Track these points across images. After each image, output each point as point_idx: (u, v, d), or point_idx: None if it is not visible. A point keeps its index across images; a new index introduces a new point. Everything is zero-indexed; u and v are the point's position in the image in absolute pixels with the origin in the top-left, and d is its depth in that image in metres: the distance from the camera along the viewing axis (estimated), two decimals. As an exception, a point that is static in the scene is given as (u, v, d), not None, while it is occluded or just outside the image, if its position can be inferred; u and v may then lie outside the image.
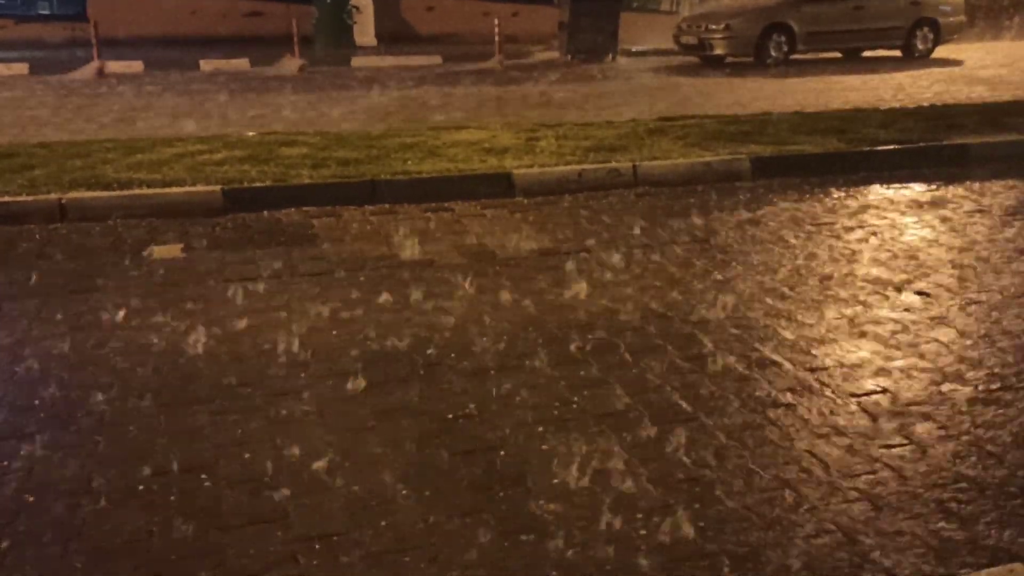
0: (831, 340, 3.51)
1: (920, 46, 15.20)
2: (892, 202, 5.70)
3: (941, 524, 2.33)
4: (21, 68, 13.74)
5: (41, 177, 5.82)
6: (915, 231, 5.02)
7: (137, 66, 14.17)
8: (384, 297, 4.02)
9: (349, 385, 3.14)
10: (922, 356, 3.35)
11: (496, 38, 15.47)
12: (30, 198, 5.41)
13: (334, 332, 3.64)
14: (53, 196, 5.42)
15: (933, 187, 6.08)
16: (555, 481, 2.53)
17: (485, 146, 6.86)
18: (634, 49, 16.88)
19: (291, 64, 14.47)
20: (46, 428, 2.87)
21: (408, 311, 3.86)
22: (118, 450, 2.74)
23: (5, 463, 2.65)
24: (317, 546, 2.25)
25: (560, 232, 5.10)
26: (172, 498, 2.47)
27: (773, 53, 14.25)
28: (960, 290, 4.05)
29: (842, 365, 3.28)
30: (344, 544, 2.26)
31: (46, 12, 19.36)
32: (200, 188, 5.64)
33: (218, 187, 5.64)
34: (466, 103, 10.16)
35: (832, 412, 2.92)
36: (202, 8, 18.02)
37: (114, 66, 13.78)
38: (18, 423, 2.91)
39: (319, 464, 2.63)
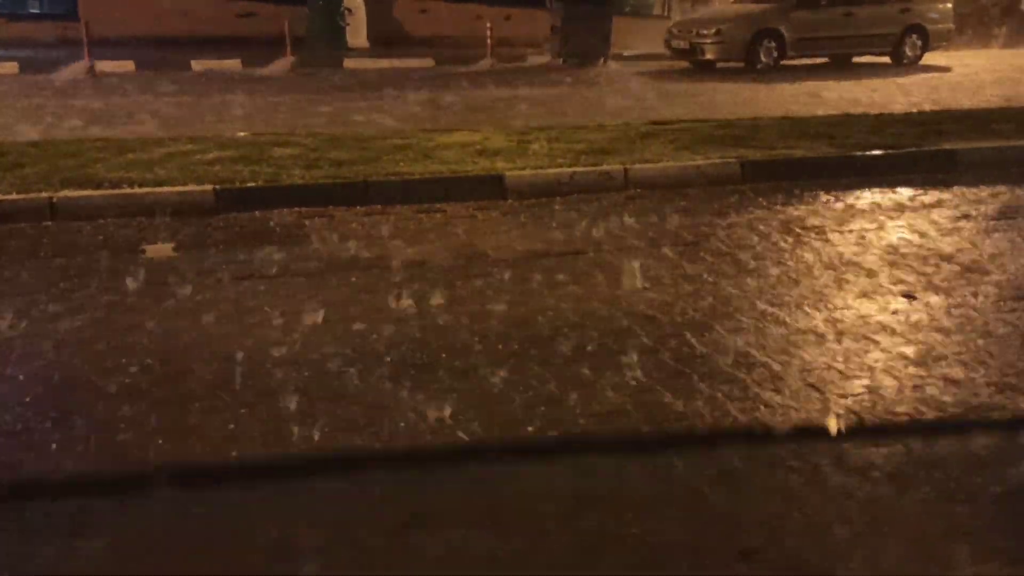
0: (818, 341, 3.54)
1: (909, 53, 15.29)
2: (880, 206, 5.75)
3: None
4: (11, 67, 13.68)
5: (32, 176, 5.82)
6: (902, 235, 5.07)
7: (128, 66, 14.14)
8: (375, 297, 4.04)
9: (339, 383, 3.16)
10: (908, 358, 3.38)
11: (488, 41, 15.50)
12: (20, 196, 5.41)
13: (325, 332, 3.65)
14: (44, 195, 5.42)
15: (921, 192, 6.14)
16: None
17: (477, 148, 6.89)
18: (626, 53, 16.94)
19: (283, 65, 14.47)
20: (35, 426, 2.88)
21: (399, 311, 3.87)
22: (110, 450, 2.75)
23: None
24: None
25: (551, 234, 5.12)
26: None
27: (763, 58, 14.33)
28: (947, 293, 4.10)
29: (828, 367, 3.31)
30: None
31: (36, 11, 19.28)
32: (192, 188, 5.65)
33: (210, 187, 5.65)
34: (458, 105, 10.18)
35: (818, 411, 2.95)
36: (194, 9, 17.96)
37: (105, 66, 13.74)
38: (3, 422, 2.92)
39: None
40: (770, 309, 3.89)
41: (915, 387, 3.13)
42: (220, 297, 4.05)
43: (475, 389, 3.12)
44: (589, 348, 3.48)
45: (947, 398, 3.04)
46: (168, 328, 3.68)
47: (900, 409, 2.96)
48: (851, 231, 5.13)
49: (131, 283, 4.24)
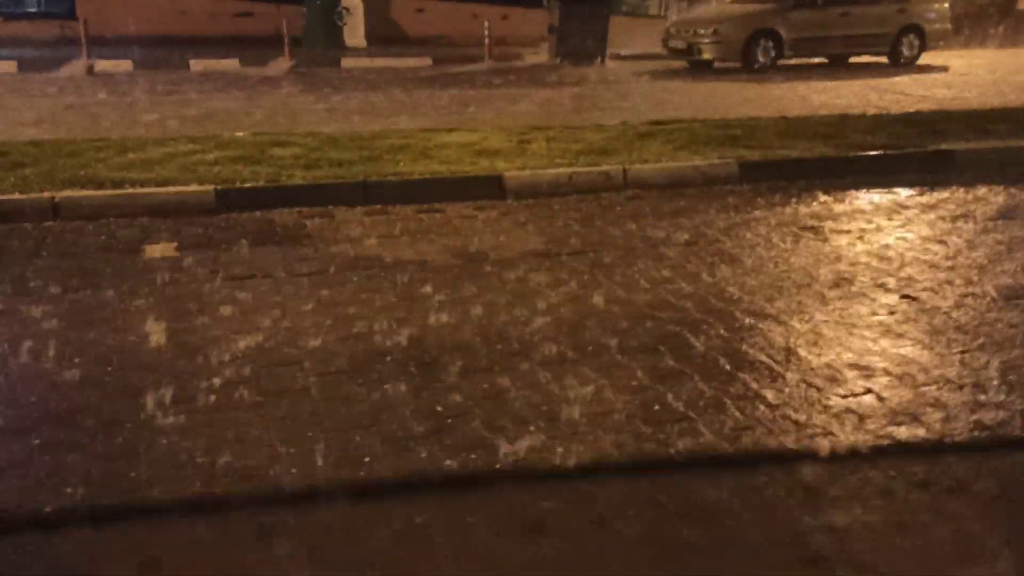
0: (817, 341, 3.57)
1: (906, 53, 15.34)
2: (878, 206, 5.78)
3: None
4: (10, 66, 13.68)
5: (33, 175, 5.84)
6: (901, 235, 5.10)
7: (126, 65, 14.15)
8: (376, 296, 4.07)
9: (341, 383, 3.18)
10: (907, 358, 3.41)
11: (485, 41, 15.53)
12: (23, 196, 5.43)
13: (326, 331, 3.67)
14: (46, 194, 5.44)
15: (918, 192, 6.17)
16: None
17: (476, 148, 6.91)
18: (623, 53, 16.97)
19: (281, 65, 14.49)
20: (41, 425, 2.90)
21: (400, 311, 3.90)
22: (114, 450, 2.77)
23: None
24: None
25: (551, 234, 5.15)
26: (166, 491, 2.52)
27: (760, 58, 14.37)
28: (945, 294, 4.13)
29: (828, 366, 3.34)
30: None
31: (34, 10, 19.27)
32: (193, 188, 5.67)
33: (211, 187, 5.67)
34: (456, 105, 10.20)
35: (818, 412, 2.99)
36: (192, 8, 17.99)
37: (103, 65, 13.75)
38: (11, 421, 2.95)
39: (313, 459, 2.67)
40: (768, 308, 3.92)
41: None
42: (221, 297, 4.07)
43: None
44: (588, 348, 3.51)
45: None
46: (170, 327, 3.71)
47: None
48: (848, 231, 5.16)
49: (133, 283, 4.26)
